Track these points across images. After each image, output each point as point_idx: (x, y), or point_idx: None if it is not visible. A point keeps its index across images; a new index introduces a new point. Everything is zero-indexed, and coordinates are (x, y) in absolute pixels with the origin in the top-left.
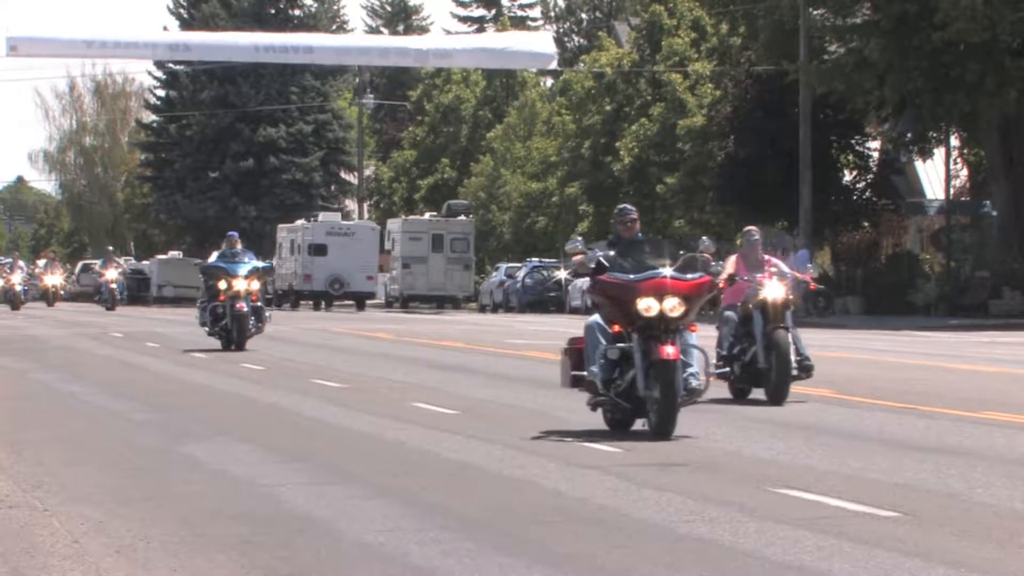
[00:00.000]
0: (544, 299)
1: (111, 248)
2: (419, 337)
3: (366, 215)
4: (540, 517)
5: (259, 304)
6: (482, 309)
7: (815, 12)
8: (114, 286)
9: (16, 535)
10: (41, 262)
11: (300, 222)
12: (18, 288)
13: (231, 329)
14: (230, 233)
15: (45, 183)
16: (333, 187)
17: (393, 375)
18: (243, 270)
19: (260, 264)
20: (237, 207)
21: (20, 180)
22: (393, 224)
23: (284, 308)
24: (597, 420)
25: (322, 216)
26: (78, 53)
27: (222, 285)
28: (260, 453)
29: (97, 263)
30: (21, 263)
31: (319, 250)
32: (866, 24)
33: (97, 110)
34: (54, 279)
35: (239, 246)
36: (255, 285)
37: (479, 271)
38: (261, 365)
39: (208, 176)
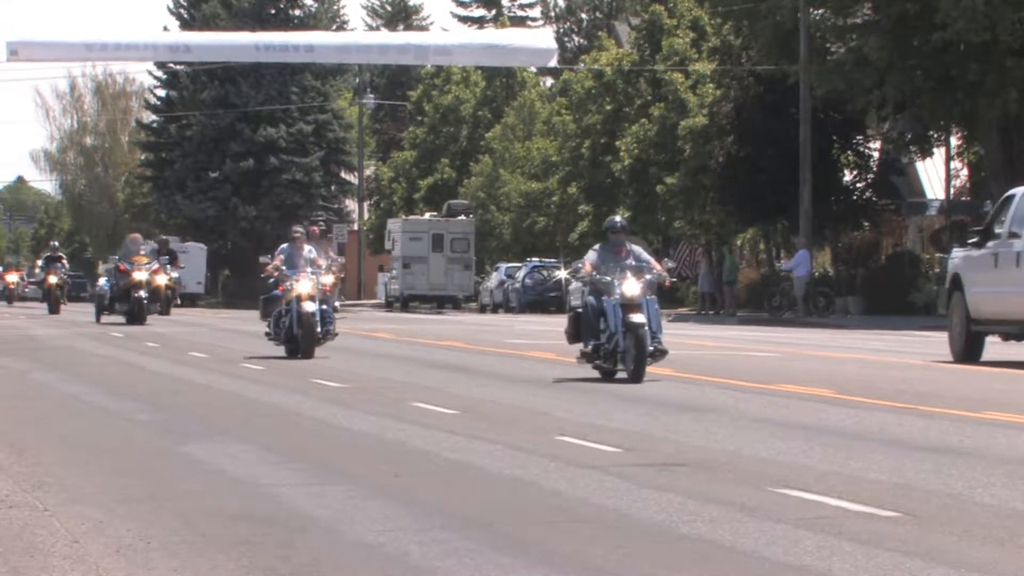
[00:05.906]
0: (544, 299)
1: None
2: (419, 337)
3: (366, 215)
4: (540, 517)
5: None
6: (482, 309)
7: (815, 12)
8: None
9: (16, 535)
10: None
11: (150, 242)
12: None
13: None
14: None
15: (45, 183)
16: (333, 187)
17: (393, 375)
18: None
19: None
20: (237, 207)
21: (20, 180)
22: (393, 224)
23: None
24: (594, 420)
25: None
26: (78, 57)
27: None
28: (260, 453)
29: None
30: (323, 246)
31: None
32: (866, 24)
33: (97, 110)
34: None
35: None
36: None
37: (479, 271)
38: (261, 365)
39: (208, 176)
